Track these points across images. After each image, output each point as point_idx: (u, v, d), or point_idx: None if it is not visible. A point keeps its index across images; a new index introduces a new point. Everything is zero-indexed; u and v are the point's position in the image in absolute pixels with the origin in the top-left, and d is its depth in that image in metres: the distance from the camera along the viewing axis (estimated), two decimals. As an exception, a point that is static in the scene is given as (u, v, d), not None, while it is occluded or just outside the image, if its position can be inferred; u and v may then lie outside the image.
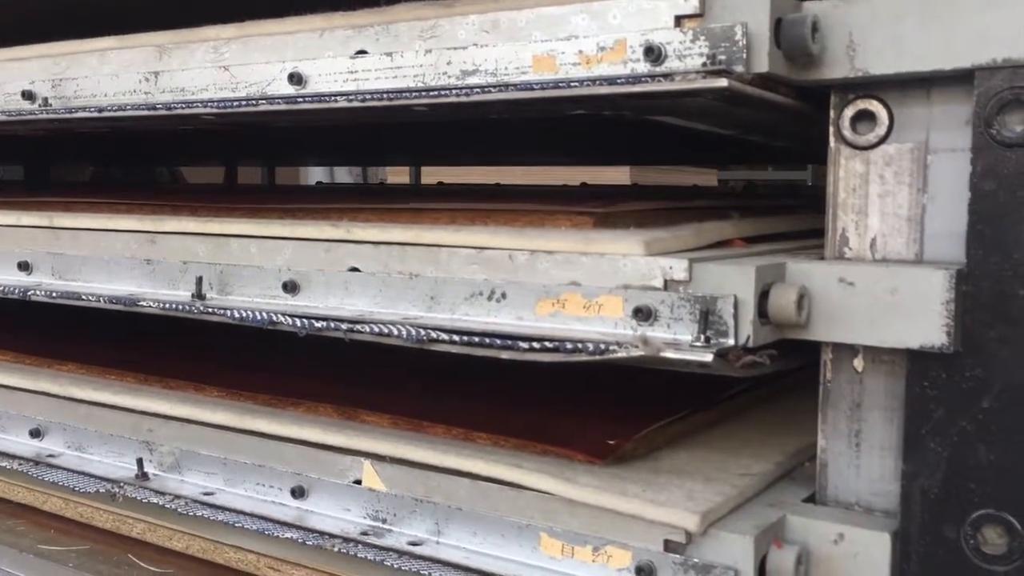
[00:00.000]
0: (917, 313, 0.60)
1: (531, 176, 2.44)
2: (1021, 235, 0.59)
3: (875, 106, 0.66)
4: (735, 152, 1.94)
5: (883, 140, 0.66)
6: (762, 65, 0.61)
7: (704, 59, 0.61)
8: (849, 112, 0.66)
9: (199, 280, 0.86)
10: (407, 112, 0.76)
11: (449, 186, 1.95)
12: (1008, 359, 0.59)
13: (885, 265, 0.62)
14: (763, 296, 0.62)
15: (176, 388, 0.99)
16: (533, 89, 0.66)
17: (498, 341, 0.67)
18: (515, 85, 0.67)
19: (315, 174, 3.25)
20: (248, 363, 1.07)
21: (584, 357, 0.63)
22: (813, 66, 0.64)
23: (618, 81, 0.62)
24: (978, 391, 0.60)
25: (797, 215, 0.94)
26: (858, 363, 0.67)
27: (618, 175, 2.80)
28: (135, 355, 1.10)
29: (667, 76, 0.61)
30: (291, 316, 0.78)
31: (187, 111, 0.85)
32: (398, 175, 3.29)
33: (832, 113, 0.67)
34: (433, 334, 0.69)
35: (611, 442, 0.74)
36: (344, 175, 3.29)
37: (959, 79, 0.61)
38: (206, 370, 1.02)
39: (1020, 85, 0.58)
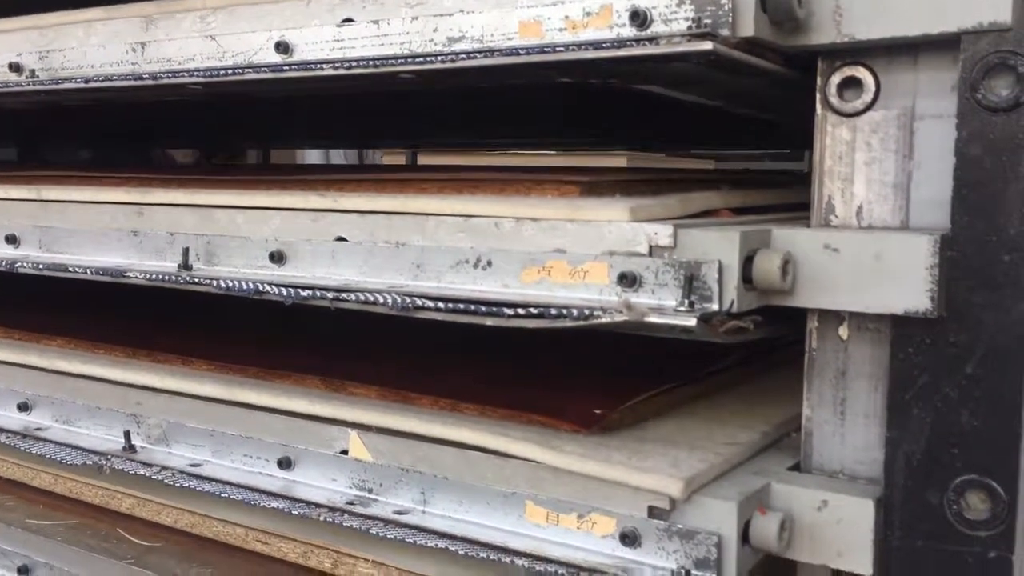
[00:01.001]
0: (901, 278, 0.60)
1: (527, 161, 2.44)
2: (1005, 200, 0.59)
3: (862, 72, 0.65)
4: (730, 135, 1.93)
5: (869, 107, 0.66)
6: (748, 29, 0.61)
7: (689, 23, 0.61)
8: (836, 79, 0.66)
9: (186, 251, 0.85)
10: (394, 80, 0.76)
11: (440, 166, 1.95)
12: (991, 324, 0.59)
13: (870, 231, 0.62)
14: (748, 262, 0.62)
15: (164, 362, 0.99)
16: (519, 54, 0.66)
17: (483, 308, 0.66)
18: (500, 50, 0.67)
19: (311, 158, 3.25)
20: (236, 336, 1.07)
21: (568, 323, 0.63)
22: (799, 31, 0.64)
23: (603, 46, 0.62)
24: (962, 357, 0.60)
25: (787, 188, 0.94)
26: (843, 331, 0.67)
27: (615, 162, 2.80)
28: (123, 329, 1.10)
29: (652, 40, 0.61)
30: (277, 286, 0.77)
31: (174, 80, 0.85)
32: (394, 158, 3.29)
33: (819, 80, 0.67)
34: (418, 301, 0.69)
35: (597, 411, 0.74)
36: (340, 160, 3.28)
37: (945, 45, 0.61)
38: (194, 343, 1.02)
39: (1005, 49, 0.58)
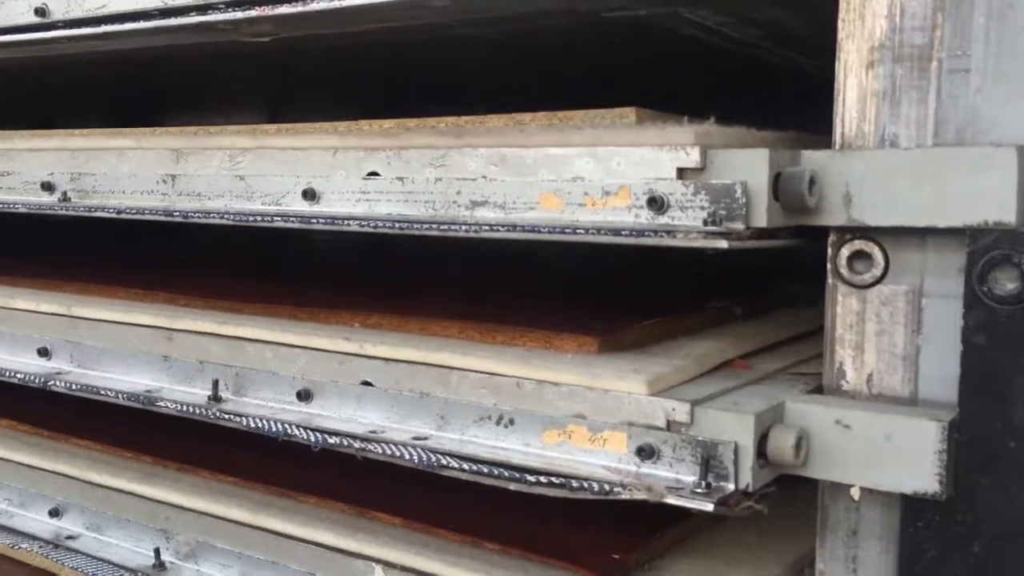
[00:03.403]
0: (911, 460, 0.62)
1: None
2: (1011, 390, 0.61)
3: (871, 247, 0.68)
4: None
5: (879, 280, 0.68)
6: (761, 220, 0.63)
7: (705, 214, 0.63)
8: (846, 252, 0.69)
9: (216, 382, 0.88)
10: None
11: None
12: (997, 507, 0.62)
13: (880, 411, 0.64)
14: (763, 438, 0.64)
15: (191, 472, 1.02)
16: (539, 232, 0.68)
17: (506, 472, 0.69)
18: (522, 226, 0.69)
19: None
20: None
21: (589, 496, 0.65)
22: (810, 214, 0.66)
23: (623, 233, 0.65)
24: (969, 536, 0.63)
25: (802, 307, 0.95)
26: (855, 492, 0.69)
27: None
28: (150, 431, 1.13)
29: (669, 231, 0.63)
30: (305, 428, 0.80)
31: (204, 220, 0.88)
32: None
33: (829, 251, 0.69)
34: (444, 460, 0.72)
35: (615, 556, 0.77)
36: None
37: (952, 232, 0.64)
38: (220, 452, 1.05)
39: (1010, 246, 0.60)
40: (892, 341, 0.68)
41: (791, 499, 0.92)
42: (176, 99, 2.03)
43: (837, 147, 0.68)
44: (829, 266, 0.70)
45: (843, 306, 0.69)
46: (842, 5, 0.68)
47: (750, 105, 2.05)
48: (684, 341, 0.80)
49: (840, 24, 0.68)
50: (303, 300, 0.98)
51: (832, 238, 0.69)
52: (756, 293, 1.00)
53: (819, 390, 0.71)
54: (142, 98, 1.99)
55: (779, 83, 1.22)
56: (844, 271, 0.69)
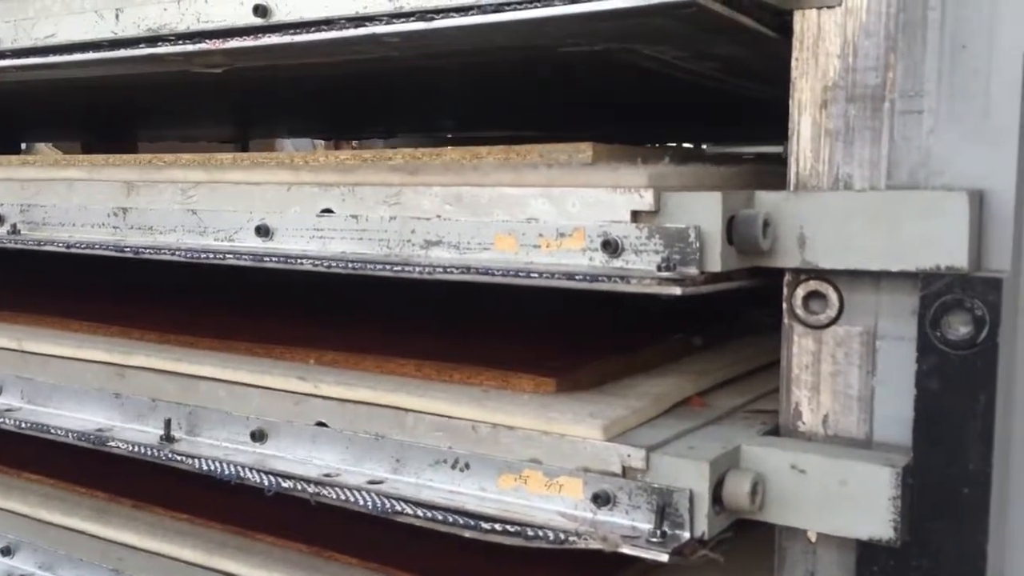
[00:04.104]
0: (865, 506, 0.62)
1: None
2: (965, 436, 0.61)
3: (826, 288, 0.67)
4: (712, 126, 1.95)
5: (834, 321, 0.68)
6: (715, 265, 0.63)
7: (659, 258, 0.63)
8: (801, 292, 0.68)
9: (168, 422, 0.87)
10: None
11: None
12: (952, 553, 0.61)
13: (835, 456, 0.64)
14: (719, 484, 0.64)
15: (146, 509, 1.00)
16: (493, 275, 0.68)
17: (461, 520, 0.68)
18: (476, 269, 0.68)
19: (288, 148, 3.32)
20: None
21: (544, 544, 0.64)
22: (765, 256, 0.66)
23: (576, 278, 0.64)
24: (925, 581, 0.62)
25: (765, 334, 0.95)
26: (811, 535, 0.69)
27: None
28: (105, 465, 1.11)
29: (623, 276, 0.62)
30: (259, 471, 0.79)
31: (155, 256, 0.86)
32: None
33: (785, 290, 0.69)
34: (398, 506, 0.71)
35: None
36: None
37: (906, 274, 0.63)
38: (177, 486, 1.03)
39: (963, 291, 0.60)
40: (847, 382, 0.67)
41: (750, 535, 0.92)
42: (145, 117, 2.02)
43: (792, 187, 0.68)
44: (785, 306, 0.69)
45: (799, 346, 0.69)
46: (795, 43, 0.68)
47: (714, 126, 2.07)
48: (642, 378, 0.79)
49: (794, 63, 0.68)
50: (260, 333, 0.96)
51: (787, 278, 0.69)
52: (718, 321, 0.99)
53: (776, 430, 0.71)
54: (112, 116, 1.97)
55: (740, 109, 1.23)
56: (800, 311, 0.68)
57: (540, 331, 0.92)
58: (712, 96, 1.12)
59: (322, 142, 3.75)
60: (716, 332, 0.96)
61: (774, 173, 0.79)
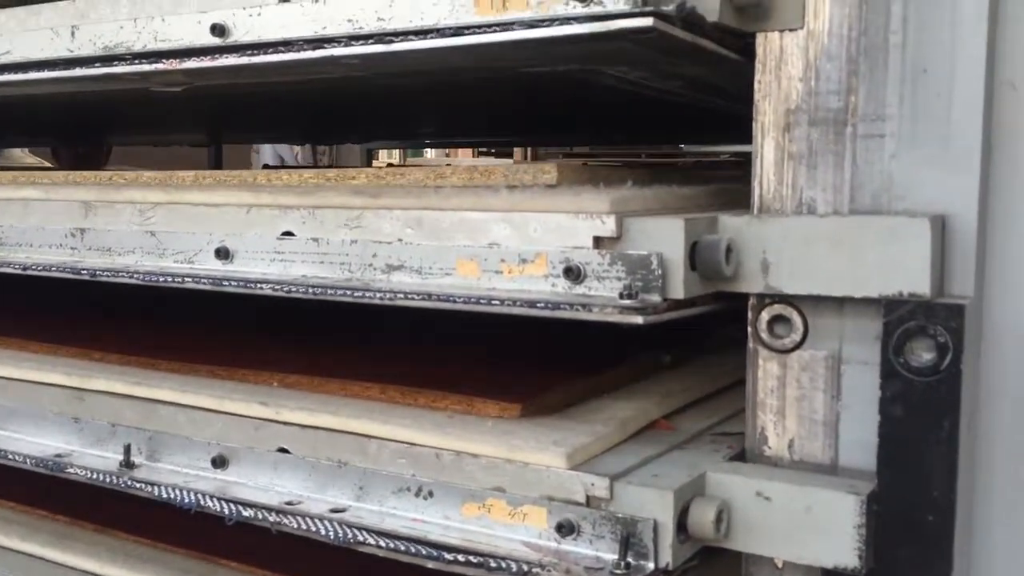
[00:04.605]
0: (830, 534, 0.61)
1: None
2: (929, 463, 0.60)
3: (790, 312, 0.67)
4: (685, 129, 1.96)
5: (799, 345, 0.67)
6: (677, 292, 0.62)
7: (621, 285, 0.62)
8: (765, 316, 0.68)
9: (127, 448, 0.85)
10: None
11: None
12: (918, 581, 0.61)
13: (800, 483, 0.63)
14: (684, 512, 0.63)
15: (108, 534, 0.98)
16: (454, 302, 0.67)
17: (423, 550, 0.67)
18: (438, 296, 0.67)
19: (264, 154, 3.31)
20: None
21: (507, 576, 0.63)
22: (728, 281, 0.65)
23: (538, 305, 0.63)
24: (890, 609, 0.62)
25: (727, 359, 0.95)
26: (778, 562, 0.68)
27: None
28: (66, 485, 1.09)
29: (585, 304, 0.62)
30: (219, 499, 0.77)
31: (112, 279, 0.85)
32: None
33: (750, 314, 0.68)
34: (360, 535, 0.70)
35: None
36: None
37: (869, 300, 0.63)
38: (141, 508, 1.01)
39: (925, 318, 0.60)
40: (812, 407, 0.67)
41: (717, 562, 0.91)
42: (113, 124, 1.99)
43: (755, 211, 0.67)
44: (750, 330, 0.69)
45: (764, 370, 0.68)
46: (758, 66, 0.67)
47: (688, 130, 2.07)
48: (608, 401, 0.79)
49: (756, 85, 0.67)
50: (223, 353, 0.95)
51: (752, 302, 0.68)
52: (686, 338, 0.99)
53: (743, 454, 0.70)
54: (80, 124, 1.94)
55: (711, 116, 1.22)
56: (764, 335, 0.68)
57: (505, 348, 0.91)
58: (683, 106, 1.11)
59: (298, 147, 3.74)
60: (684, 349, 0.96)
61: (739, 193, 0.78)
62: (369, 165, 3.51)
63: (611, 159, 3.06)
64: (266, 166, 2.72)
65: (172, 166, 2.44)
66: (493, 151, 5.32)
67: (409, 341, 0.96)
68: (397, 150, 5.86)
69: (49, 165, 2.63)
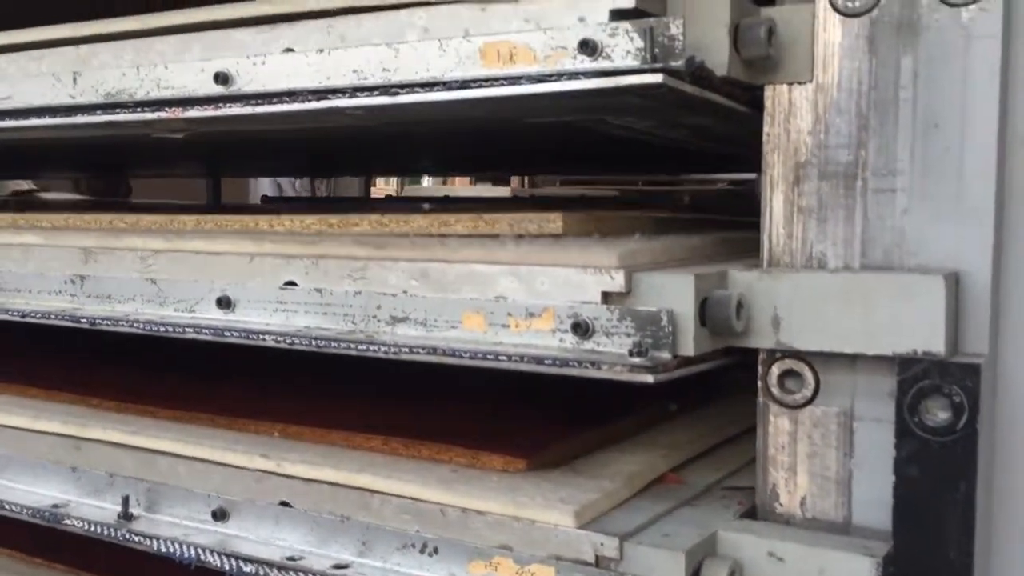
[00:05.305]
0: (845, 597, 0.60)
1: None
2: (945, 524, 0.59)
3: (801, 367, 0.66)
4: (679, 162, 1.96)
5: (810, 401, 0.66)
6: (688, 349, 0.61)
7: (631, 342, 0.61)
8: (776, 370, 0.67)
9: (126, 499, 0.83)
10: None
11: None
12: (935, 645, 0.60)
13: (813, 543, 0.62)
14: (695, 573, 0.62)
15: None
16: (462, 357, 0.66)
17: (428, 612, 0.65)
18: (444, 349, 0.66)
19: (263, 186, 3.32)
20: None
21: (515, 640, 0.62)
22: (739, 337, 0.64)
23: (546, 362, 0.62)
24: (907, 673, 0.61)
25: (735, 405, 0.94)
26: (791, 620, 0.67)
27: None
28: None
29: (594, 362, 0.61)
30: (220, 553, 0.76)
31: (112, 328, 0.84)
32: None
33: (760, 368, 0.67)
34: (363, 595, 0.68)
35: None
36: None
37: (883, 357, 0.62)
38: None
39: (940, 377, 0.59)
40: (824, 464, 0.66)
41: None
42: (111, 161, 1.99)
43: (765, 264, 0.67)
44: (760, 384, 0.68)
45: (775, 426, 0.67)
46: (767, 118, 0.67)
47: (688, 165, 2.07)
48: (615, 453, 0.77)
49: (765, 137, 0.67)
50: (223, 400, 0.93)
51: (762, 356, 0.67)
52: (692, 383, 0.97)
53: (753, 511, 0.69)
54: (75, 161, 1.94)
55: (703, 157, 1.22)
56: (775, 390, 0.67)
57: (507, 395, 0.89)
58: (681, 146, 1.11)
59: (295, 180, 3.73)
60: (688, 396, 0.94)
61: (746, 242, 0.78)
62: (367, 194, 3.51)
63: (608, 187, 3.07)
64: (264, 197, 2.71)
65: (178, 192, 2.45)
66: (490, 181, 5.34)
67: (410, 387, 0.95)
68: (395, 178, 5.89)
69: (33, 187, 2.62)
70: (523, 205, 1.57)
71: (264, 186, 4.50)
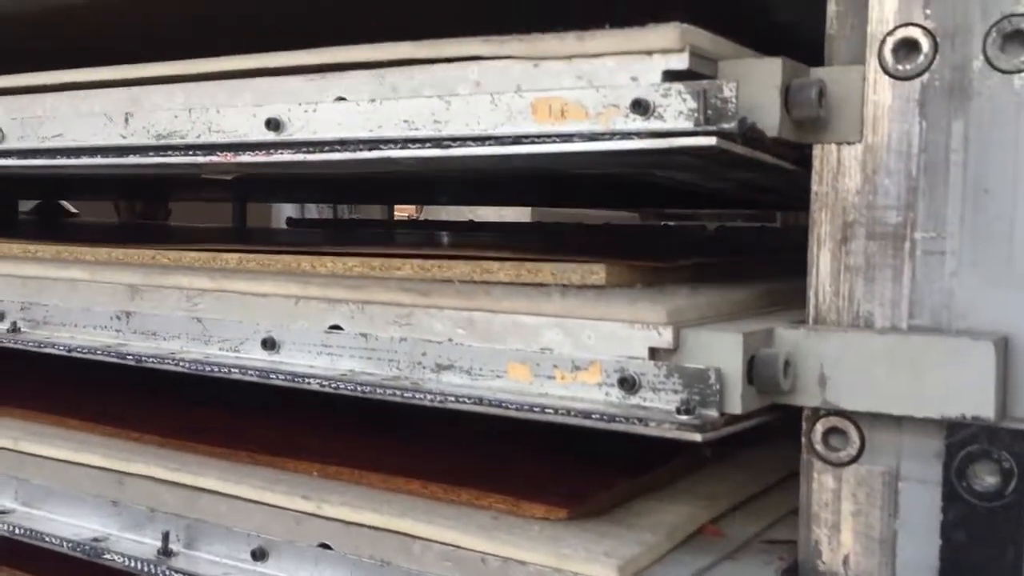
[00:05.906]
0: (890, 661, 0.60)
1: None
2: (993, 591, 0.59)
3: (846, 425, 0.66)
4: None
5: (855, 459, 0.66)
6: (735, 407, 0.61)
7: (678, 399, 0.62)
8: (820, 427, 0.67)
9: (166, 535, 0.84)
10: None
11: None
12: None
13: (858, 605, 0.62)
14: (737, 632, 0.62)
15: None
16: (507, 408, 0.66)
17: (470, 662, 0.66)
18: (490, 400, 0.67)
19: (287, 209, 3.36)
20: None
21: None
22: (785, 395, 0.65)
23: (592, 416, 0.63)
24: None
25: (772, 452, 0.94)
26: None
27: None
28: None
29: (641, 419, 0.61)
30: (259, 596, 0.76)
31: (158, 365, 0.85)
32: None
33: (804, 425, 0.68)
34: (404, 643, 0.68)
35: None
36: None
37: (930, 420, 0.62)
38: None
39: (989, 442, 0.59)
40: (868, 523, 0.66)
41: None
42: (148, 186, 2.02)
43: (811, 321, 0.67)
44: (804, 440, 0.68)
45: (819, 483, 0.67)
46: (815, 177, 0.67)
47: (706, 203, 2.09)
48: (654, 503, 0.77)
49: (813, 196, 0.67)
50: (261, 436, 0.94)
51: (807, 412, 0.67)
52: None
53: (795, 567, 0.69)
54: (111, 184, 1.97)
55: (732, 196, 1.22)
56: (819, 447, 0.67)
57: (544, 440, 0.90)
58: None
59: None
60: (725, 440, 0.94)
61: (789, 293, 0.78)
62: (391, 217, 3.53)
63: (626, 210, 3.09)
64: (289, 219, 2.75)
65: (205, 212, 2.49)
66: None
67: (449, 427, 0.96)
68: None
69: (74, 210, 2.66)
70: (558, 241, 1.58)
71: (287, 207, 4.53)
